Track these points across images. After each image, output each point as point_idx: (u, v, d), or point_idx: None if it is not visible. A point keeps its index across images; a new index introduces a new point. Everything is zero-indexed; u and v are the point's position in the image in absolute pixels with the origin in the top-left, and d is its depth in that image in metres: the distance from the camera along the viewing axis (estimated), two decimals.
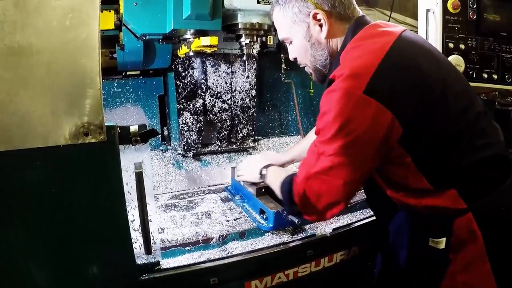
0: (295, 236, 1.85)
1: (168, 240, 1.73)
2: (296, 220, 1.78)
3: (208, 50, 2.06)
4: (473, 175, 1.41)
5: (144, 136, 1.32)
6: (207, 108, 2.50)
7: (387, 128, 1.31)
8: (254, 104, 2.66)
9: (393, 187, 1.52)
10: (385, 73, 1.30)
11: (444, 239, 1.42)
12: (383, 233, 1.70)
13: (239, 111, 2.61)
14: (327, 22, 1.54)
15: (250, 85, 2.59)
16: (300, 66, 1.76)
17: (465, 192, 1.40)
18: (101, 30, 2.02)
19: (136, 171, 1.34)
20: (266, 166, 1.97)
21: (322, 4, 1.53)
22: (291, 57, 1.75)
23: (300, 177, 1.49)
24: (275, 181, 1.78)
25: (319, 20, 1.55)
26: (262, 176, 1.97)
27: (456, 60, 2.40)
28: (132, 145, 1.32)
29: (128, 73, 2.46)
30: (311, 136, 2.31)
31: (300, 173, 1.50)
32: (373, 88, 1.28)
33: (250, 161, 2.15)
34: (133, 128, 1.31)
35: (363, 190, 1.87)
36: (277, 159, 2.29)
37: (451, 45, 2.43)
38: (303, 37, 1.60)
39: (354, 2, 1.61)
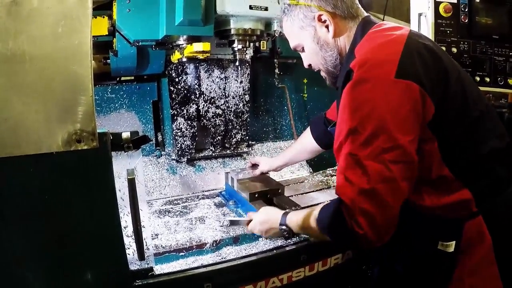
0: (289, 240, 1.84)
1: (162, 245, 1.73)
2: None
3: (201, 56, 2.07)
4: (486, 167, 1.42)
5: (136, 142, 1.33)
6: (201, 113, 2.50)
7: (422, 105, 1.27)
8: (247, 109, 2.67)
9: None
10: (410, 58, 1.31)
11: (454, 242, 1.40)
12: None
13: (232, 116, 2.61)
14: (332, 22, 1.56)
15: (243, 90, 2.60)
16: (315, 70, 1.75)
17: (477, 191, 1.39)
18: (94, 36, 2.06)
19: (128, 177, 1.34)
20: (284, 216, 1.66)
21: (325, 6, 1.56)
22: (305, 64, 1.76)
23: (351, 196, 1.25)
24: (302, 223, 1.56)
25: (325, 21, 1.57)
26: (285, 229, 1.65)
27: None
28: (125, 152, 1.33)
29: (122, 78, 2.46)
30: (304, 138, 2.31)
31: (347, 192, 1.27)
32: (404, 71, 1.26)
33: (261, 219, 1.75)
34: (125, 134, 1.31)
35: None
36: (270, 164, 2.30)
37: (443, 48, 2.44)
38: (312, 40, 1.63)
39: (357, 2, 1.64)
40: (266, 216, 1.73)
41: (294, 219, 1.61)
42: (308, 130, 2.32)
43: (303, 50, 1.71)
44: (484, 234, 1.41)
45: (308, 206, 1.95)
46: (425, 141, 1.32)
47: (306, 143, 2.31)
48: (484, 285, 1.44)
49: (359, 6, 1.64)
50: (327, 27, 1.58)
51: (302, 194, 2.35)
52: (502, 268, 1.44)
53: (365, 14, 1.63)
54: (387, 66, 1.28)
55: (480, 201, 1.40)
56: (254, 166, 2.37)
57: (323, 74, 1.74)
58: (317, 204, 2.09)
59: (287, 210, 1.73)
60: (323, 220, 1.40)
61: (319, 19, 1.57)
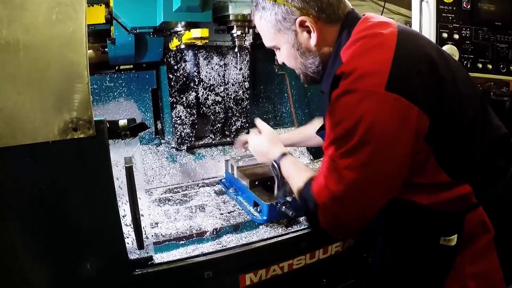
0: (290, 228, 1.85)
1: (162, 234, 1.73)
2: (290, 213, 1.78)
3: (199, 43, 2.05)
4: (484, 163, 1.39)
5: (133, 130, 1.32)
6: (200, 101, 2.49)
7: (415, 123, 1.22)
8: (247, 96, 2.65)
9: (405, 187, 1.36)
10: (402, 66, 1.22)
11: (456, 236, 1.37)
12: (381, 231, 1.62)
13: (232, 103, 2.60)
14: (316, 28, 1.42)
15: (243, 77, 2.58)
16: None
17: (476, 185, 1.36)
18: (92, 24, 2.04)
19: (126, 165, 1.33)
20: (282, 156, 1.73)
21: (308, 8, 1.40)
22: (279, 62, 1.65)
23: (324, 199, 1.31)
24: (289, 178, 1.65)
25: (306, 27, 1.42)
26: (276, 168, 1.75)
27: (450, 49, 2.39)
28: (122, 140, 1.32)
29: (121, 67, 2.44)
30: (316, 122, 2.23)
31: (321, 194, 1.32)
32: (395, 83, 1.18)
33: (263, 141, 1.86)
34: (122, 122, 1.30)
35: None
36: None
37: (445, 35, 2.42)
38: (290, 45, 1.49)
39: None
40: (266, 147, 1.82)
41: (286, 168, 1.69)
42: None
43: (278, 49, 1.58)
44: (486, 224, 1.38)
45: None
46: (420, 151, 1.28)
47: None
48: (485, 271, 1.42)
49: (345, 2, 1.48)
50: (309, 32, 1.44)
51: None
52: (501, 254, 1.43)
53: (349, 7, 1.49)
54: (377, 77, 1.20)
55: (480, 192, 1.37)
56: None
57: (298, 73, 1.62)
58: None
59: (285, 152, 1.75)
60: (302, 196, 1.46)
61: (301, 24, 1.42)
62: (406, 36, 1.33)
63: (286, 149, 1.79)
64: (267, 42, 1.58)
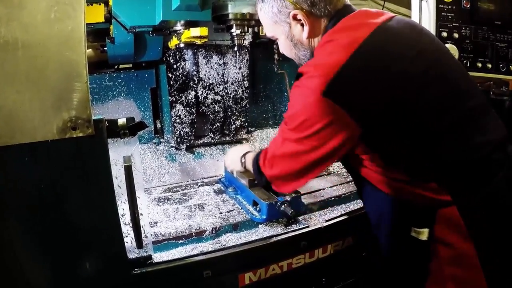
0: (289, 227, 1.84)
1: (161, 233, 1.72)
2: (289, 212, 1.78)
3: (198, 41, 2.05)
4: (457, 173, 1.38)
5: (132, 129, 1.31)
6: (200, 100, 2.49)
7: (344, 128, 1.34)
8: (247, 95, 2.65)
9: (374, 174, 1.51)
10: (348, 74, 1.29)
11: (427, 230, 1.40)
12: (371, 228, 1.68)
13: (231, 102, 2.60)
14: (308, 22, 1.50)
15: (242, 76, 2.58)
16: None
17: (448, 186, 1.37)
18: (91, 23, 2.03)
19: (125, 164, 1.33)
20: (245, 154, 1.92)
21: (301, 3, 1.48)
22: (280, 51, 1.76)
23: (268, 155, 1.56)
24: (250, 163, 1.82)
25: (300, 20, 1.51)
26: (242, 163, 1.92)
27: (450, 49, 2.37)
28: (121, 138, 1.32)
29: (120, 66, 2.44)
30: None
31: (268, 150, 1.57)
32: (332, 90, 1.28)
33: (231, 152, 2.10)
34: (121, 121, 1.30)
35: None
36: None
37: (444, 34, 2.42)
38: (285, 36, 1.59)
39: None
40: (234, 157, 1.99)
41: (247, 161, 1.87)
42: None
43: (278, 39, 1.67)
44: (460, 225, 1.37)
45: None
46: (366, 153, 1.47)
47: None
48: (466, 276, 1.42)
49: None
50: (302, 25, 1.52)
51: None
52: (483, 261, 1.41)
53: (343, 2, 1.52)
54: (320, 80, 1.29)
55: (454, 193, 1.37)
56: None
57: (297, 63, 1.72)
58: (318, 190, 2.18)
59: (247, 151, 1.93)
60: (254, 159, 1.70)
61: (294, 17, 1.51)
62: (375, 42, 1.35)
63: (248, 149, 1.98)
64: (267, 32, 1.68)
